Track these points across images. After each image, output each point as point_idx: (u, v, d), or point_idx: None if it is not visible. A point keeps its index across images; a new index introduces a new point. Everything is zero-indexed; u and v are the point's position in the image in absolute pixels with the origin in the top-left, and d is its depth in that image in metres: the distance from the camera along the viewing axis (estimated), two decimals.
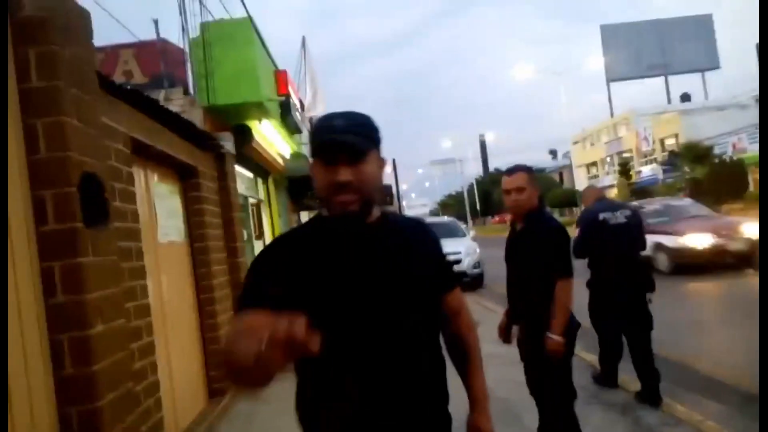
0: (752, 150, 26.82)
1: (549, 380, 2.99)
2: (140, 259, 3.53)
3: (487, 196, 55.34)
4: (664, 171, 33.44)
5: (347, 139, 1.29)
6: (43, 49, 2.57)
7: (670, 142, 37.32)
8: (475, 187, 54.63)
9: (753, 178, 25.32)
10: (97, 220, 2.78)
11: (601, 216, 4.51)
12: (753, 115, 29.90)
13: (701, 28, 41.73)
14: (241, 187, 7.50)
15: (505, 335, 3.24)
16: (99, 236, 2.76)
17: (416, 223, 1.55)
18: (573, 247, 3.78)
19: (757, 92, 32.15)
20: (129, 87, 4.01)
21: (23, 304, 2.42)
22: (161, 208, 4.55)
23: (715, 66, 41.83)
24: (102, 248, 2.78)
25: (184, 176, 5.20)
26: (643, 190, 33.94)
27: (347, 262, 1.33)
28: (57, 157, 2.57)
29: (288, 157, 10.04)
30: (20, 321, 2.39)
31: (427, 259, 1.45)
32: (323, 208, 1.38)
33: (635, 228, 4.57)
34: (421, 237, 1.49)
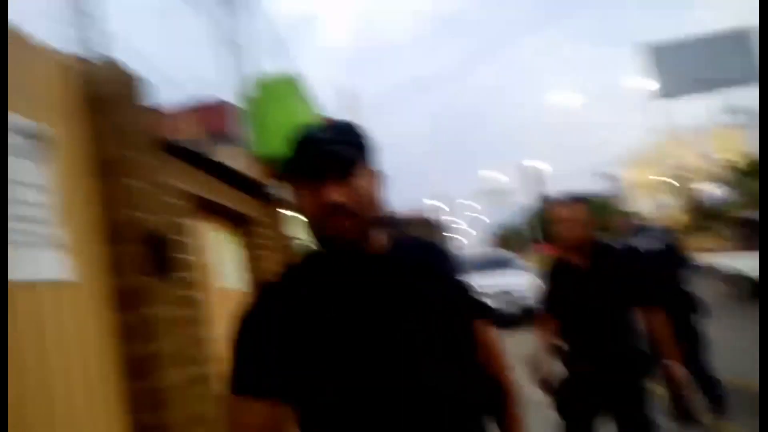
0: None
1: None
2: (199, 308, 3.72)
3: (541, 224, 54.17)
4: (730, 189, 31.90)
5: (336, 149, 1.12)
6: (113, 120, 2.85)
7: (731, 158, 35.73)
8: (532, 217, 53.66)
9: None
10: (159, 273, 2.98)
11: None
12: None
13: (747, 40, 40.36)
14: (295, 229, 7.72)
15: (549, 385, 2.90)
16: (162, 287, 2.97)
17: (430, 246, 1.32)
18: None
19: None
20: (187, 146, 4.31)
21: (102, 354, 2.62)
22: (222, 257, 4.79)
23: (753, 79, 40.25)
24: (165, 299, 2.97)
25: (241, 225, 5.46)
26: (708, 211, 32.42)
27: (356, 310, 1.12)
28: (126, 218, 2.81)
29: None
30: (100, 372, 2.59)
31: (449, 286, 1.24)
32: (315, 240, 1.19)
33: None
34: (439, 262, 1.28)
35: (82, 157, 2.76)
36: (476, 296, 1.32)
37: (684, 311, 4.26)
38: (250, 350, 1.11)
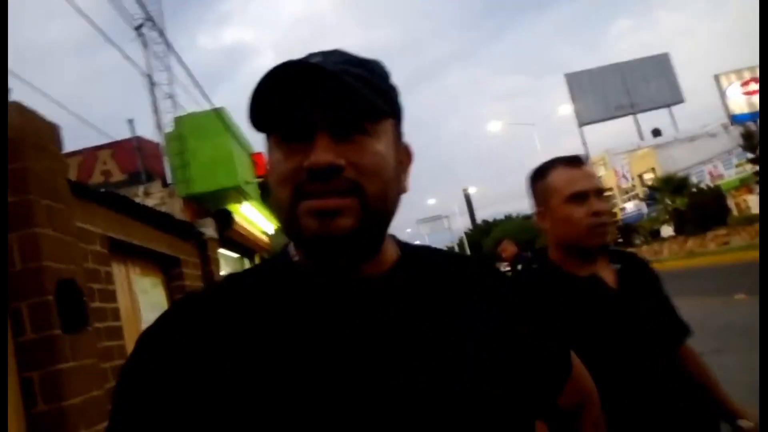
0: (728, 175, 27.44)
1: None
2: (123, 358, 3.54)
3: (477, 247, 55.58)
4: (648, 205, 33.94)
5: (342, 79, 0.60)
6: (15, 166, 2.70)
7: (648, 176, 38.11)
8: (465, 240, 54.88)
9: (734, 202, 25.77)
10: (76, 325, 2.82)
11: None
12: (724, 143, 30.78)
13: (661, 66, 43.55)
14: (226, 269, 7.55)
15: None
16: (79, 340, 2.80)
17: (486, 270, 0.77)
18: None
19: (724, 120, 33.29)
20: (104, 188, 4.15)
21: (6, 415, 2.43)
22: (144, 302, 4.59)
23: (679, 100, 43.40)
24: (83, 352, 2.81)
25: (166, 267, 5.27)
26: (628, 226, 34.31)
27: (325, 371, 0.61)
28: (31, 268, 2.65)
29: (272, 233, 10.16)
30: None
31: (517, 347, 0.69)
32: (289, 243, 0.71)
33: None
34: (493, 289, 0.74)
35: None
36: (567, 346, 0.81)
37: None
38: (135, 408, 0.63)
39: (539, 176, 1.39)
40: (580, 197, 1.32)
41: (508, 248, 6.07)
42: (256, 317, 0.64)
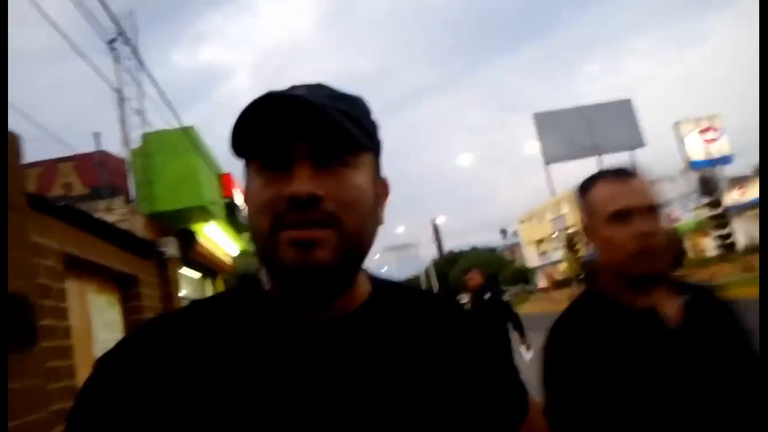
0: (685, 219, 28.40)
1: None
2: (71, 378, 3.38)
3: (443, 276, 55.88)
4: None
5: (324, 110, 0.61)
6: None
7: None
8: (432, 270, 55.12)
9: (690, 244, 26.63)
10: (23, 343, 2.69)
11: None
12: (681, 187, 31.94)
13: (623, 111, 45.17)
14: (188, 290, 7.37)
15: None
16: (24, 359, 2.67)
17: (451, 311, 0.77)
18: None
19: (682, 166, 34.65)
20: (65, 202, 4.02)
21: None
22: (98, 321, 4.42)
23: (640, 145, 44.98)
24: (27, 371, 2.67)
25: (124, 286, 5.10)
26: (591, 263, 34.91)
27: (281, 407, 0.61)
28: None
29: (236, 255, 10.00)
30: None
31: (482, 391, 0.69)
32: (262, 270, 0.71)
33: None
34: (470, 341, 0.73)
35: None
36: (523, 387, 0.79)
37: None
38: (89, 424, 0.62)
39: (584, 190, 1.21)
40: (622, 216, 1.12)
41: (475, 278, 6.14)
42: (221, 347, 0.64)
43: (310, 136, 0.62)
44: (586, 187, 1.20)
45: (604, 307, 1.16)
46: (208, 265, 8.71)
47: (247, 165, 0.67)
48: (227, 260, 9.50)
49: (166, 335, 0.65)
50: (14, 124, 3.02)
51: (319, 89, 0.67)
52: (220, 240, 8.73)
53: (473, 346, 0.73)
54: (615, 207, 1.13)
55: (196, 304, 0.71)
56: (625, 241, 1.11)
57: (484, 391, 0.69)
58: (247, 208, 0.68)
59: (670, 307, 1.13)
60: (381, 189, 0.72)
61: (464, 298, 7.13)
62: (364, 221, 0.65)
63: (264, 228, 0.63)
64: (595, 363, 1.09)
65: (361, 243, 0.66)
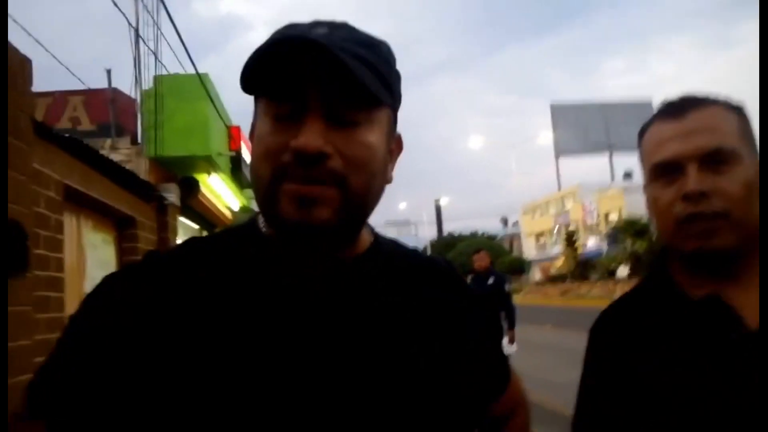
0: None
1: None
2: (60, 311, 3.39)
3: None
4: (608, 244, 34.76)
5: (341, 59, 0.57)
6: None
7: (613, 216, 39.04)
8: (428, 250, 55.26)
9: None
10: (15, 269, 2.69)
11: None
12: None
13: (642, 112, 44.82)
14: (184, 238, 7.38)
15: None
16: (14, 285, 2.67)
17: (443, 269, 0.76)
18: None
19: None
20: (70, 134, 3.98)
21: None
22: (92, 258, 4.43)
23: None
24: (17, 298, 2.68)
25: (121, 226, 5.10)
26: (587, 262, 35.02)
27: (293, 340, 0.60)
28: None
29: (236, 210, 9.98)
30: None
31: (462, 342, 0.69)
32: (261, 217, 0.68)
33: None
34: (455, 296, 0.73)
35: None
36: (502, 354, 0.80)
37: None
38: (75, 363, 0.59)
39: (640, 137, 0.88)
40: (668, 170, 0.79)
41: (483, 259, 6.05)
42: (221, 285, 0.61)
43: (326, 85, 0.58)
44: (642, 131, 0.88)
45: (659, 296, 0.85)
46: (207, 217, 8.71)
47: (257, 102, 0.65)
48: (227, 214, 9.49)
49: (167, 270, 0.63)
50: (28, 53, 2.97)
51: (342, 30, 0.63)
52: (222, 193, 8.71)
53: (464, 309, 0.73)
54: (657, 158, 0.81)
55: (195, 241, 0.69)
56: (666, 204, 0.80)
57: (469, 356, 0.69)
58: (251, 147, 0.65)
59: (747, 298, 0.78)
60: (394, 146, 0.69)
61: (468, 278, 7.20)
62: (371, 182, 0.63)
63: (266, 176, 0.61)
64: (631, 370, 0.80)
65: (366, 204, 0.64)
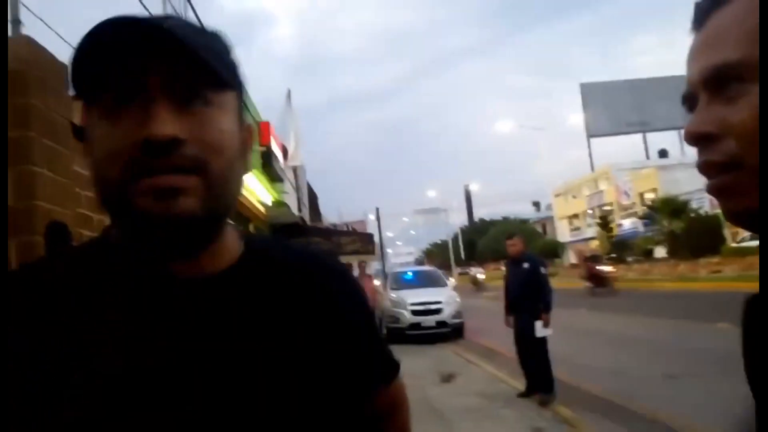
0: None
1: None
2: None
3: (471, 245, 55.58)
4: (644, 224, 34.01)
5: (187, 42, 0.54)
6: (18, 100, 2.66)
7: (649, 196, 38.14)
8: (460, 236, 54.94)
9: (730, 231, 25.85)
10: None
11: None
12: None
13: (676, 88, 43.48)
14: None
15: None
16: None
17: (323, 269, 0.73)
18: None
19: None
20: None
21: None
22: None
23: None
24: None
25: None
26: (623, 243, 34.33)
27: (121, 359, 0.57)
28: (24, 206, 2.62)
29: (270, 204, 10.13)
30: None
31: (336, 339, 0.67)
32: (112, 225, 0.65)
33: None
34: (326, 296, 0.70)
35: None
36: (381, 356, 0.79)
37: None
38: None
39: None
40: (692, 106, 0.58)
41: (517, 244, 6.01)
42: (64, 296, 0.59)
43: (167, 70, 0.54)
44: None
45: None
46: (241, 212, 8.87)
47: (89, 107, 0.58)
48: (261, 208, 9.64)
49: (22, 286, 0.61)
50: (62, 56, 3.07)
51: (174, 20, 0.58)
52: (254, 187, 8.85)
53: (332, 314, 0.68)
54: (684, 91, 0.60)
55: (59, 254, 0.67)
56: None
57: (330, 363, 0.65)
58: (91, 158, 0.59)
59: None
60: (247, 135, 0.66)
61: (504, 264, 7.33)
62: (231, 167, 0.59)
63: (113, 176, 0.55)
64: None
65: (229, 191, 0.60)
